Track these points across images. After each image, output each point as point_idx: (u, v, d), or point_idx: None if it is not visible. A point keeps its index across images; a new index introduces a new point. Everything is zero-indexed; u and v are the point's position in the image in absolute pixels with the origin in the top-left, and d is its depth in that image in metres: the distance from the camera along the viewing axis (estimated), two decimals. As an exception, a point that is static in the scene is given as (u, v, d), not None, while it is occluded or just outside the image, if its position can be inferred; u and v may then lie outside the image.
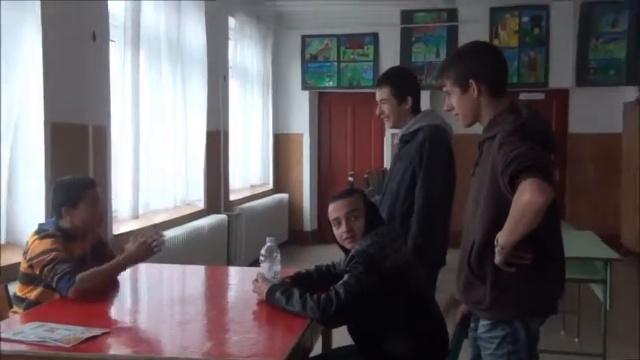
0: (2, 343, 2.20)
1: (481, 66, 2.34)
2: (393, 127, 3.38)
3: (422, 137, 3.18)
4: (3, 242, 3.74)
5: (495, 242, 2.11)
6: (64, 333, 2.27)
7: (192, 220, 5.81)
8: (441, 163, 3.15)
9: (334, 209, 2.74)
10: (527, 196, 1.99)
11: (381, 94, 3.32)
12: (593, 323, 4.56)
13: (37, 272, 2.80)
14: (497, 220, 2.13)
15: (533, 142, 2.11)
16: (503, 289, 2.21)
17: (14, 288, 2.97)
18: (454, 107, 2.40)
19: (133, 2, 4.78)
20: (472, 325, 2.45)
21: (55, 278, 2.73)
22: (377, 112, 3.38)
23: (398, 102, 3.29)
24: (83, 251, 3.03)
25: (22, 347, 2.19)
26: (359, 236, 2.69)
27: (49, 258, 2.78)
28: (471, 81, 2.31)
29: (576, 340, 4.86)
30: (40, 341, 2.20)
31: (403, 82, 3.34)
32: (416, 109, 3.31)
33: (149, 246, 3.03)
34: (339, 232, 2.74)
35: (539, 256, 2.16)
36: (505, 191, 2.11)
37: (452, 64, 2.41)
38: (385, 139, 8.91)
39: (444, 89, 2.41)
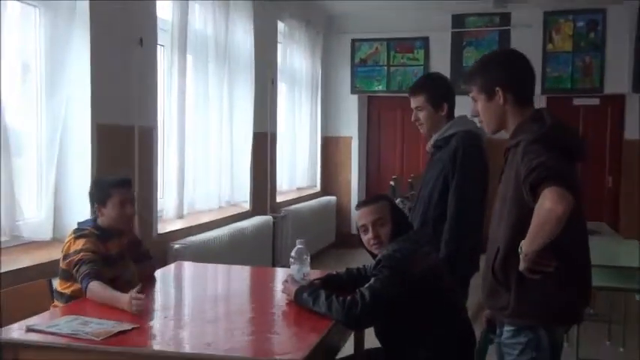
0: (37, 334, 2.31)
1: (508, 74, 2.34)
2: (428, 134, 3.35)
3: (455, 143, 3.16)
4: (49, 238, 3.87)
5: (519, 250, 2.11)
6: (96, 327, 2.36)
7: (237, 221, 5.89)
8: (474, 170, 3.12)
9: (360, 216, 2.78)
10: (548, 205, 1.99)
11: (416, 101, 3.30)
12: (639, 333, 4.48)
13: (71, 270, 2.90)
14: (521, 228, 2.13)
15: (556, 151, 2.10)
16: (527, 296, 2.20)
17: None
18: (479, 114, 2.40)
19: (181, 6, 4.89)
20: (498, 331, 2.44)
21: (79, 278, 2.82)
22: (412, 118, 3.36)
23: (434, 109, 3.26)
24: (118, 249, 3.09)
25: (55, 339, 2.28)
26: (386, 242, 2.71)
27: (77, 258, 2.86)
28: (497, 89, 2.31)
29: (621, 349, 4.76)
30: (73, 334, 2.30)
31: (439, 89, 3.32)
32: (451, 115, 3.29)
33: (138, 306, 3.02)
34: (367, 238, 2.78)
35: (564, 264, 2.15)
36: (527, 199, 2.10)
37: (479, 71, 2.41)
38: (434, 143, 8.85)
39: (470, 95, 2.42)
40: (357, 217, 2.81)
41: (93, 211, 3.08)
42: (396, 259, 2.59)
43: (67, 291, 2.94)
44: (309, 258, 2.89)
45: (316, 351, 2.25)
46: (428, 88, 3.29)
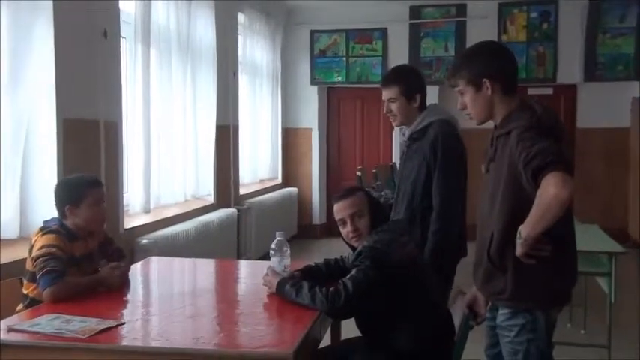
0: (20, 334, 2.27)
1: (494, 65, 2.40)
2: (400, 125, 3.36)
3: (433, 133, 3.17)
4: (16, 237, 3.80)
5: (518, 235, 2.18)
6: (79, 324, 2.33)
7: (202, 215, 5.87)
8: (454, 157, 3.16)
9: (338, 210, 2.80)
10: (552, 190, 2.05)
11: (389, 93, 3.28)
12: (599, 315, 4.62)
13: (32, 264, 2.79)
14: (516, 214, 2.21)
15: (551, 138, 2.18)
16: (524, 279, 2.29)
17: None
18: (467, 106, 2.44)
19: (143, -1, 4.84)
20: (489, 314, 2.52)
21: (43, 271, 2.71)
22: (384, 110, 3.35)
23: (407, 100, 3.26)
24: (85, 251, 3.00)
25: (38, 338, 2.25)
26: (365, 234, 2.74)
27: (47, 251, 2.76)
28: (484, 80, 2.37)
29: (582, 331, 4.91)
30: (57, 332, 2.26)
31: (412, 81, 3.32)
32: (422, 106, 3.30)
33: (122, 274, 3.01)
34: (345, 231, 2.80)
35: (558, 247, 2.24)
36: (527, 185, 2.17)
37: (464, 64, 2.47)
38: (394, 133, 8.94)
39: (457, 89, 2.46)
40: (335, 211, 2.82)
41: (61, 212, 2.97)
42: (376, 249, 2.63)
43: (32, 293, 2.84)
44: (289, 250, 2.91)
45: (303, 342, 2.27)
46: (401, 80, 3.29)
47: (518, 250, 2.18)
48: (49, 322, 2.36)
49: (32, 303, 2.80)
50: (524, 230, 2.15)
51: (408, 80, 3.31)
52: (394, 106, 3.28)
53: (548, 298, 2.34)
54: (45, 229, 2.91)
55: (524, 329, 2.32)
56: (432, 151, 3.15)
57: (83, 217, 2.95)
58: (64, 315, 2.43)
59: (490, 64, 2.39)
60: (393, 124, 3.41)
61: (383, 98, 3.33)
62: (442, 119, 3.24)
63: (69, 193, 2.98)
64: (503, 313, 2.38)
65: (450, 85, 2.50)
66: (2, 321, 2.43)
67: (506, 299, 2.34)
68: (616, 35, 8.31)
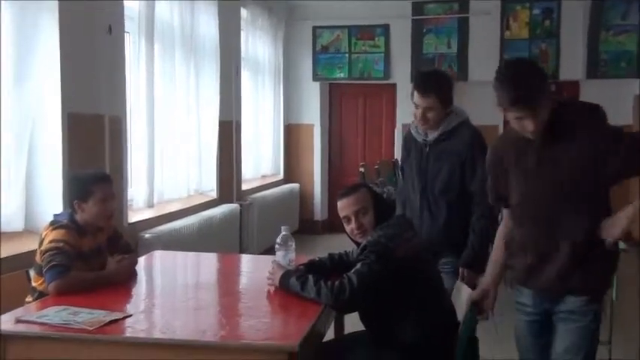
0: (29, 325, 2.29)
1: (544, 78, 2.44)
2: (429, 128, 3.35)
3: (468, 133, 3.29)
4: (21, 229, 3.82)
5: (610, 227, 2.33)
6: (87, 316, 2.35)
7: (205, 210, 5.89)
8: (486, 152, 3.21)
9: (342, 207, 2.82)
10: None
11: (427, 102, 3.25)
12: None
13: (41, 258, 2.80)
14: (601, 208, 2.42)
15: None
16: (598, 271, 2.46)
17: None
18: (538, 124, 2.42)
19: (147, -6, 4.85)
20: (531, 309, 2.59)
21: (50, 265, 2.72)
22: (418, 118, 3.31)
23: (443, 109, 3.29)
24: (93, 245, 3.02)
25: (46, 329, 2.27)
26: (370, 230, 2.76)
27: (55, 246, 2.78)
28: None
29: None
30: (64, 324, 2.28)
31: (448, 89, 3.35)
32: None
33: (129, 266, 3.06)
34: (350, 228, 2.82)
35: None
36: (616, 173, 2.35)
37: (534, 87, 2.37)
38: (396, 130, 8.97)
39: (525, 113, 2.37)
40: (339, 208, 2.84)
41: (70, 207, 2.99)
42: (381, 244, 2.64)
43: (40, 287, 2.86)
44: (294, 244, 2.93)
45: (309, 336, 2.29)
46: (440, 90, 3.28)
47: (612, 240, 2.35)
48: (56, 314, 2.38)
49: (40, 296, 2.82)
50: (629, 222, 2.30)
51: (447, 89, 3.33)
52: (431, 115, 3.28)
53: (606, 289, 2.60)
54: (55, 224, 2.92)
55: (597, 315, 2.48)
56: (470, 148, 3.24)
57: (91, 212, 2.96)
58: (71, 307, 2.45)
59: (542, 79, 2.39)
60: (421, 127, 3.37)
61: (418, 104, 3.28)
62: (467, 119, 3.34)
63: (77, 188, 2.99)
64: (580, 299, 2.46)
65: (521, 112, 2.35)
66: (10, 312, 2.45)
67: (584, 289, 2.45)
68: (619, 32, 8.31)
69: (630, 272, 5.85)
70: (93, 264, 2.99)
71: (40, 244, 2.88)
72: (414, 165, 3.44)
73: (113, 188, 3.12)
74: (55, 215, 3.06)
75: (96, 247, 3.05)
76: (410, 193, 3.48)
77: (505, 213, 2.69)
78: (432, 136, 3.34)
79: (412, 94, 3.33)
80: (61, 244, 2.80)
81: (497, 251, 2.72)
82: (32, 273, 2.96)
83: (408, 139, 3.52)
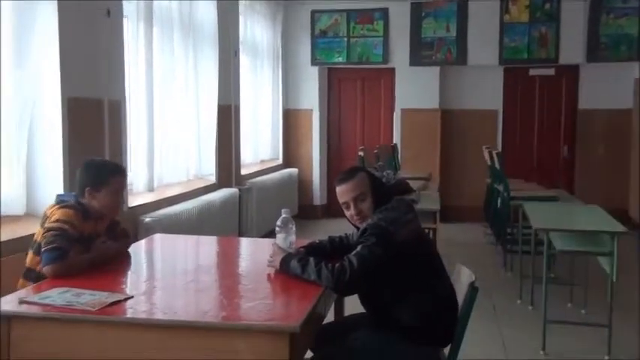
0: (32, 306, 2.30)
1: None
2: None
3: None
4: (22, 213, 3.83)
5: None
6: (89, 298, 2.36)
7: (204, 194, 5.89)
8: None
9: (341, 193, 2.83)
10: None
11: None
12: (600, 295, 4.66)
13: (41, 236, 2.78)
14: None
15: None
16: None
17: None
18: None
19: (146, -23, 4.82)
20: None
21: (49, 246, 2.70)
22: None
23: None
24: (93, 231, 3.00)
25: (49, 310, 2.28)
26: (369, 215, 2.77)
27: (60, 226, 2.76)
28: None
29: (583, 311, 4.95)
30: (67, 305, 2.29)
31: None
32: None
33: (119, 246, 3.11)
34: (349, 214, 2.83)
35: None
36: None
37: None
38: (394, 114, 8.96)
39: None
40: (338, 194, 2.84)
41: (80, 191, 2.96)
42: (381, 227, 2.65)
43: (37, 267, 2.81)
44: (294, 227, 2.93)
45: (309, 317, 2.30)
46: None
47: None
48: (59, 295, 2.39)
49: (40, 278, 2.79)
50: None
51: None
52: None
53: None
54: (63, 203, 2.90)
55: None
56: None
57: (101, 202, 2.95)
58: (74, 289, 2.46)
59: None
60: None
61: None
62: None
63: (92, 176, 2.97)
64: None
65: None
66: (14, 294, 2.46)
67: None
68: (619, 15, 8.29)
69: (629, 255, 5.88)
70: (88, 249, 2.96)
71: (44, 221, 2.85)
72: None
73: (126, 181, 3.13)
74: (59, 195, 3.03)
75: (95, 233, 3.03)
76: None
77: None
78: None
79: None
80: (66, 226, 2.78)
81: None
82: (30, 253, 2.91)
83: None
